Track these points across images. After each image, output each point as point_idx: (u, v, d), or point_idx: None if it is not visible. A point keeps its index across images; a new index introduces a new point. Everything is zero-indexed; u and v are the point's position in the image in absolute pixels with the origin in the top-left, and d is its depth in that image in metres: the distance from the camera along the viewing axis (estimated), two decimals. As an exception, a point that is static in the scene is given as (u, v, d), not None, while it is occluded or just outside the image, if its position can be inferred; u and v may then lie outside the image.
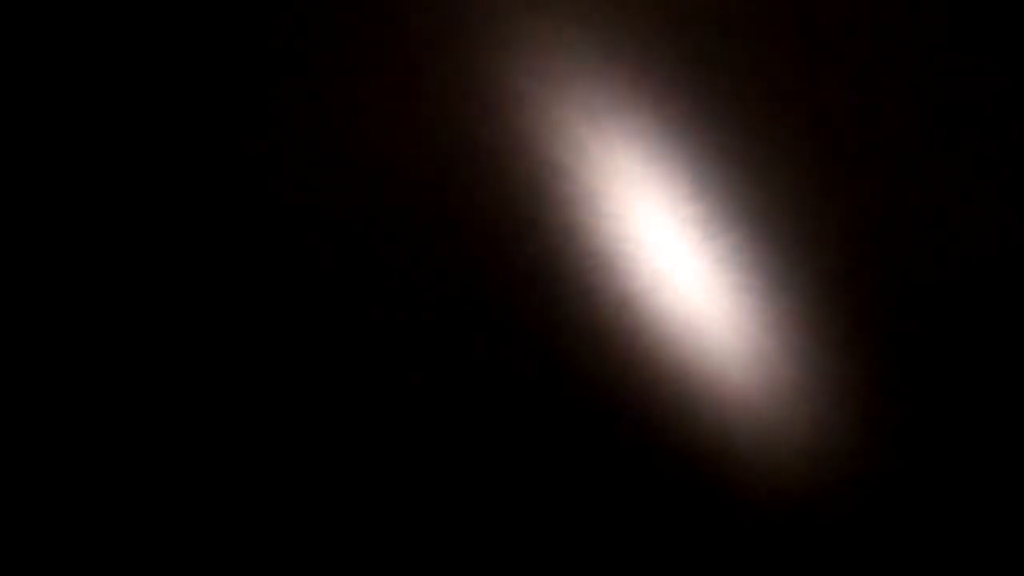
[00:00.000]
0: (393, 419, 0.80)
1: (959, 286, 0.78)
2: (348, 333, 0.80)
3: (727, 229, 0.79)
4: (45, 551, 0.80)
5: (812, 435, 0.78)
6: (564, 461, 0.79)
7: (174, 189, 0.82)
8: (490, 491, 0.80)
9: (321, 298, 0.81)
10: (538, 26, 0.81)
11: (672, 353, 0.79)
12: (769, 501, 0.78)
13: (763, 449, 0.78)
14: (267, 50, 0.82)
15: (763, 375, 0.78)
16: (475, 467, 0.80)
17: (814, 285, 0.79)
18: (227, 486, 0.81)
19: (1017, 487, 0.77)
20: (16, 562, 0.80)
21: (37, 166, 0.83)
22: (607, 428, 0.79)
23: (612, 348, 0.79)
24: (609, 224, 0.80)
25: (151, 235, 0.82)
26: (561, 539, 0.79)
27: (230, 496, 0.80)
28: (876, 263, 0.78)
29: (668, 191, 0.80)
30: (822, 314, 0.78)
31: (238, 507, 0.80)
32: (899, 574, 0.77)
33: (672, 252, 0.79)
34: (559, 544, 0.79)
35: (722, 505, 0.78)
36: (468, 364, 0.80)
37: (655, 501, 0.79)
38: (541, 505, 0.79)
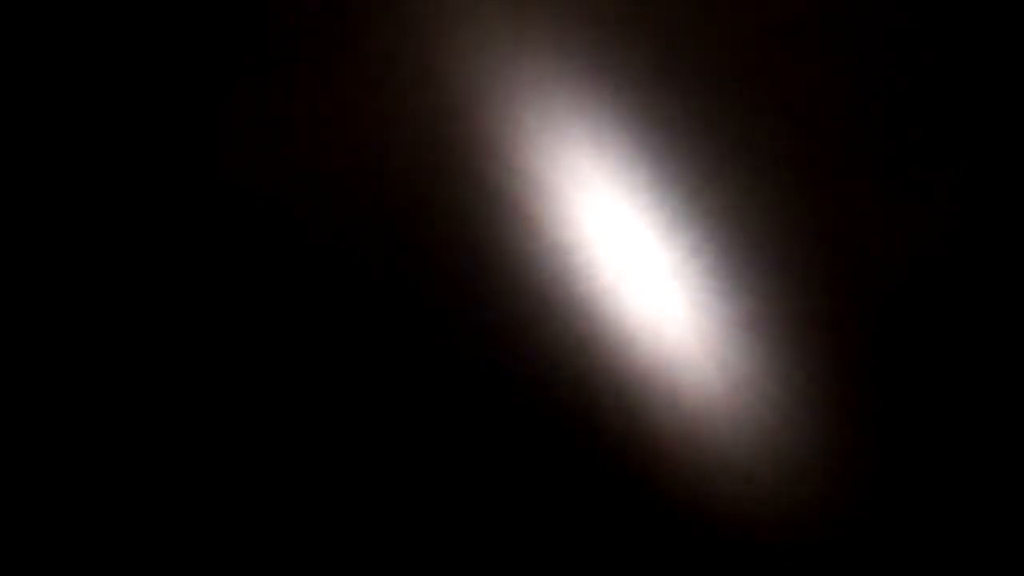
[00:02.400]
0: (355, 423, 0.80)
1: (928, 290, 0.77)
2: (309, 335, 0.80)
3: (687, 231, 0.78)
4: (45, 551, 0.81)
5: (773, 437, 0.77)
6: (522, 466, 0.79)
7: (142, 187, 0.82)
8: (445, 499, 0.79)
9: (288, 297, 0.81)
10: (502, 29, 0.81)
11: (632, 355, 0.78)
12: (729, 503, 0.77)
13: (723, 451, 0.77)
14: (228, 56, 0.82)
15: (723, 377, 0.77)
16: (433, 473, 0.79)
17: (775, 287, 0.78)
18: (209, 486, 0.80)
19: (993, 497, 0.76)
20: (16, 562, 0.80)
21: (14, 172, 0.83)
22: (565, 432, 0.78)
23: (572, 350, 0.78)
24: (569, 227, 0.79)
25: (124, 237, 0.82)
26: (520, 548, 0.79)
27: (217, 497, 0.80)
28: (839, 264, 0.78)
29: (628, 194, 0.79)
30: (783, 315, 0.78)
31: (226, 508, 0.80)
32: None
33: (632, 254, 0.79)
34: (520, 553, 0.79)
35: (681, 507, 0.77)
36: (425, 367, 0.79)
37: (613, 504, 0.78)
38: (498, 511, 0.79)
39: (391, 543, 0.79)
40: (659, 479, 0.78)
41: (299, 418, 0.80)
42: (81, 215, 0.82)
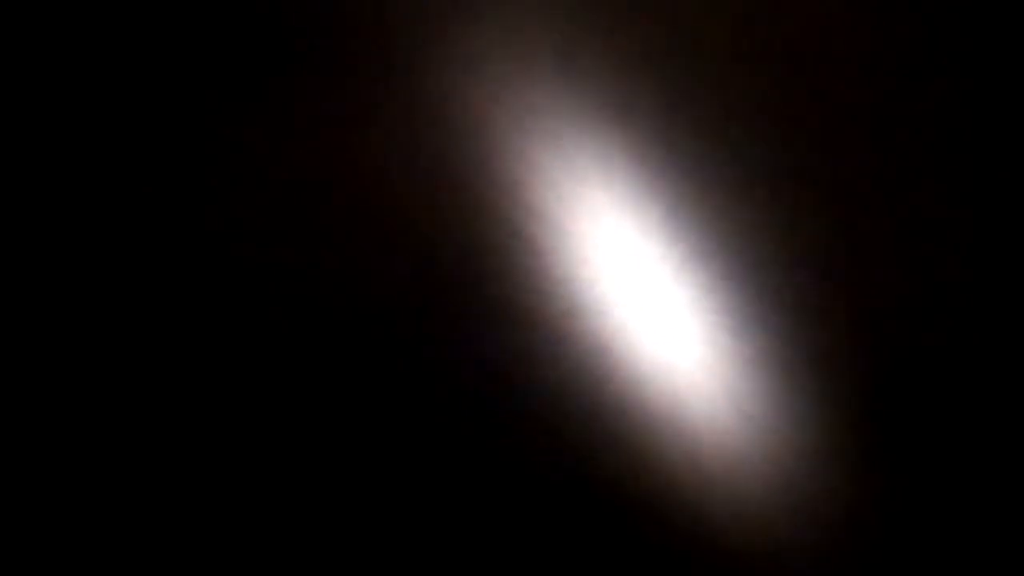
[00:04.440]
0: (357, 451, 0.79)
1: (940, 326, 0.77)
2: (315, 352, 0.79)
3: (699, 269, 0.78)
4: (45, 551, 0.80)
5: (786, 477, 0.77)
6: (531, 502, 0.78)
7: (148, 189, 0.81)
8: (451, 539, 0.78)
9: (284, 320, 0.80)
10: (510, 68, 0.80)
11: (645, 392, 0.77)
12: (743, 544, 0.76)
13: (736, 490, 0.77)
14: (225, 73, 0.81)
15: (736, 414, 0.77)
16: (438, 512, 0.78)
17: (788, 324, 0.78)
18: (207, 486, 0.79)
19: (1003, 538, 0.76)
20: (16, 562, 0.79)
21: (18, 173, 0.82)
22: (578, 471, 0.78)
23: (585, 387, 0.78)
24: (580, 265, 0.78)
25: (128, 240, 0.81)
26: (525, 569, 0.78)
27: (214, 498, 0.79)
28: (852, 301, 0.78)
29: (641, 231, 0.79)
30: (797, 354, 0.77)
31: (222, 512, 0.79)
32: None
33: (644, 292, 0.78)
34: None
35: (695, 549, 0.77)
36: (431, 406, 0.78)
37: (625, 541, 0.77)
38: (506, 550, 0.78)
39: (391, 567, 0.79)
40: (672, 516, 0.77)
41: (301, 430, 0.79)
42: (85, 217, 0.81)
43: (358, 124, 0.80)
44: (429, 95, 0.80)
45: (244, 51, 0.82)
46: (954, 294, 0.78)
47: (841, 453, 0.77)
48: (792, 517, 0.77)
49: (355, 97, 0.81)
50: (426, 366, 0.79)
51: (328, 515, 0.79)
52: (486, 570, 0.78)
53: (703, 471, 0.77)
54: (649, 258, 0.78)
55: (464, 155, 0.80)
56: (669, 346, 0.78)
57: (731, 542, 0.77)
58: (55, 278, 0.81)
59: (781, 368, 0.77)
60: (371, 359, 0.79)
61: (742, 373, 0.77)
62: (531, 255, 0.78)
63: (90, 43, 0.82)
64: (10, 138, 0.82)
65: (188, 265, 0.80)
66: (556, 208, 0.79)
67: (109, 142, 0.82)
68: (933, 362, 0.77)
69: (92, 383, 0.80)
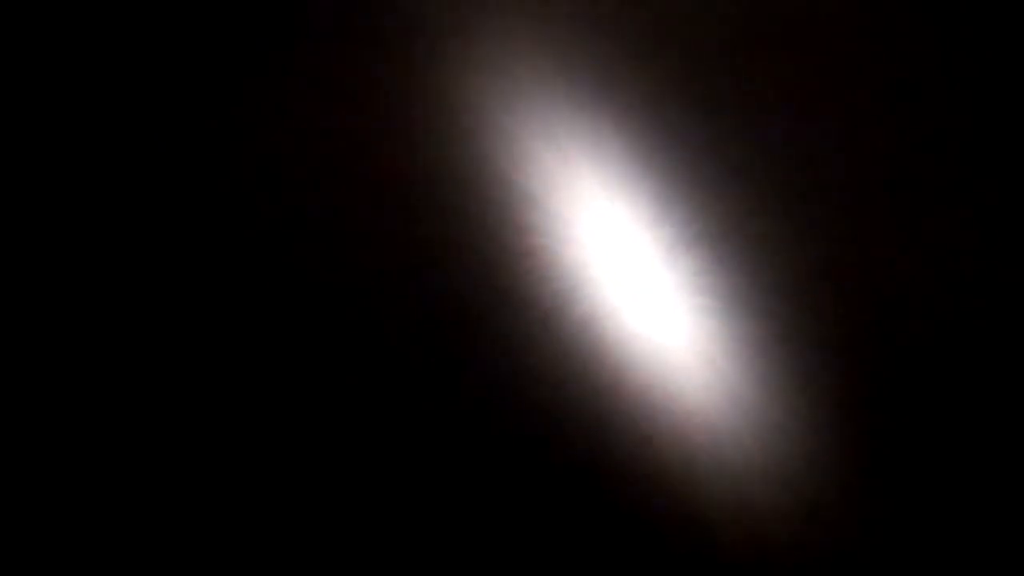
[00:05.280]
0: (343, 440, 0.79)
1: (932, 308, 0.77)
2: (312, 337, 0.79)
3: (690, 252, 0.78)
4: (45, 551, 0.80)
5: (773, 457, 0.77)
6: (516, 486, 0.78)
7: (150, 186, 0.81)
8: (437, 518, 0.78)
9: (285, 313, 0.80)
10: (500, 51, 0.80)
11: (634, 377, 0.77)
12: (730, 526, 0.77)
13: (725, 474, 0.77)
14: (238, 56, 0.81)
15: (725, 399, 0.77)
16: (426, 492, 0.79)
17: (779, 309, 0.78)
18: (205, 486, 0.79)
19: (996, 524, 0.76)
20: (16, 562, 0.80)
21: (18, 170, 0.82)
22: (567, 453, 0.78)
23: (574, 372, 0.78)
24: (569, 248, 0.78)
25: (131, 237, 0.81)
26: (511, 565, 0.78)
27: (210, 500, 0.79)
28: (845, 288, 0.78)
29: (631, 215, 0.78)
30: (786, 338, 0.77)
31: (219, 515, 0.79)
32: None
33: (635, 276, 0.78)
34: (507, 569, 0.78)
35: (682, 530, 0.77)
36: (427, 389, 0.79)
37: (613, 526, 0.77)
38: (495, 532, 0.78)
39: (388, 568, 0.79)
40: (660, 498, 0.77)
41: (298, 422, 0.79)
42: (89, 212, 0.81)
43: (358, 100, 0.80)
44: (426, 76, 0.80)
45: (244, 25, 0.81)
46: (952, 281, 0.78)
47: (831, 437, 0.77)
48: (782, 499, 0.77)
49: (354, 73, 0.80)
50: (412, 348, 0.79)
51: (316, 480, 0.79)
52: (469, 548, 0.78)
53: (693, 453, 0.77)
54: (641, 241, 0.78)
55: (455, 136, 0.80)
56: (661, 329, 0.78)
57: (720, 523, 0.77)
58: (49, 257, 0.81)
59: (773, 352, 0.77)
60: (354, 337, 0.79)
61: (734, 357, 0.77)
62: (520, 237, 0.78)
63: (85, 20, 0.82)
64: (3, 110, 0.82)
65: (184, 245, 0.80)
66: (546, 191, 0.79)
67: (105, 121, 0.81)
68: (927, 347, 0.77)
69: (89, 371, 0.80)
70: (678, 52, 0.79)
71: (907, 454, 0.77)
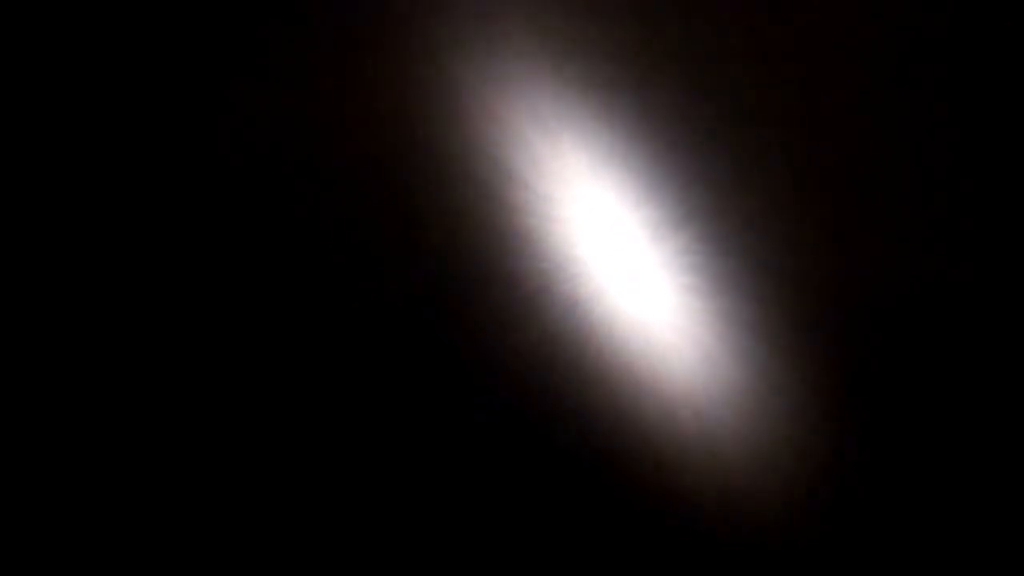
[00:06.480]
0: (335, 427, 0.79)
1: (923, 298, 0.77)
2: (303, 329, 0.79)
3: (675, 232, 0.78)
4: (45, 551, 0.80)
5: (760, 438, 0.77)
6: (506, 467, 0.78)
7: (137, 180, 0.81)
8: (424, 496, 0.78)
9: (271, 298, 0.80)
10: (487, 32, 0.80)
11: (620, 356, 0.77)
12: (717, 504, 0.76)
13: (710, 452, 0.76)
14: (223, 50, 0.81)
15: (710, 377, 0.77)
16: (413, 474, 0.78)
17: (763, 287, 0.77)
18: (204, 486, 0.79)
19: (985, 507, 0.76)
20: (16, 562, 0.80)
21: (10, 167, 0.82)
22: (553, 432, 0.77)
23: (562, 352, 0.78)
24: (557, 228, 0.78)
25: (120, 232, 0.81)
26: (500, 547, 0.78)
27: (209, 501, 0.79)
28: (827, 267, 0.77)
29: (616, 194, 0.78)
30: (771, 317, 0.77)
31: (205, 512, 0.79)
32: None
33: (622, 255, 0.78)
34: (495, 551, 0.78)
35: (668, 509, 0.76)
36: (413, 367, 0.78)
37: (602, 507, 0.77)
38: (480, 511, 0.78)
39: (387, 561, 0.79)
40: (648, 477, 0.77)
41: (285, 406, 0.79)
42: (78, 209, 0.81)
43: (344, 76, 0.81)
44: (412, 59, 0.80)
45: (253, 20, 0.82)
46: (941, 266, 0.78)
47: (820, 417, 0.77)
48: (769, 477, 0.76)
49: (341, 49, 0.81)
50: (399, 328, 0.79)
51: (316, 471, 0.79)
52: (458, 529, 0.78)
53: (679, 433, 0.77)
54: (628, 221, 0.78)
55: (442, 118, 0.80)
56: (648, 308, 0.78)
57: (707, 502, 0.76)
58: (45, 252, 0.81)
59: (759, 331, 0.77)
60: (339, 320, 0.79)
61: (720, 336, 0.77)
62: (507, 216, 0.78)
63: (53, 14, 0.82)
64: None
65: (165, 236, 0.80)
66: (532, 170, 0.79)
67: (92, 99, 0.82)
68: (911, 327, 0.77)
69: (79, 363, 0.80)
70: (667, 34, 0.80)
71: (897, 435, 0.77)
